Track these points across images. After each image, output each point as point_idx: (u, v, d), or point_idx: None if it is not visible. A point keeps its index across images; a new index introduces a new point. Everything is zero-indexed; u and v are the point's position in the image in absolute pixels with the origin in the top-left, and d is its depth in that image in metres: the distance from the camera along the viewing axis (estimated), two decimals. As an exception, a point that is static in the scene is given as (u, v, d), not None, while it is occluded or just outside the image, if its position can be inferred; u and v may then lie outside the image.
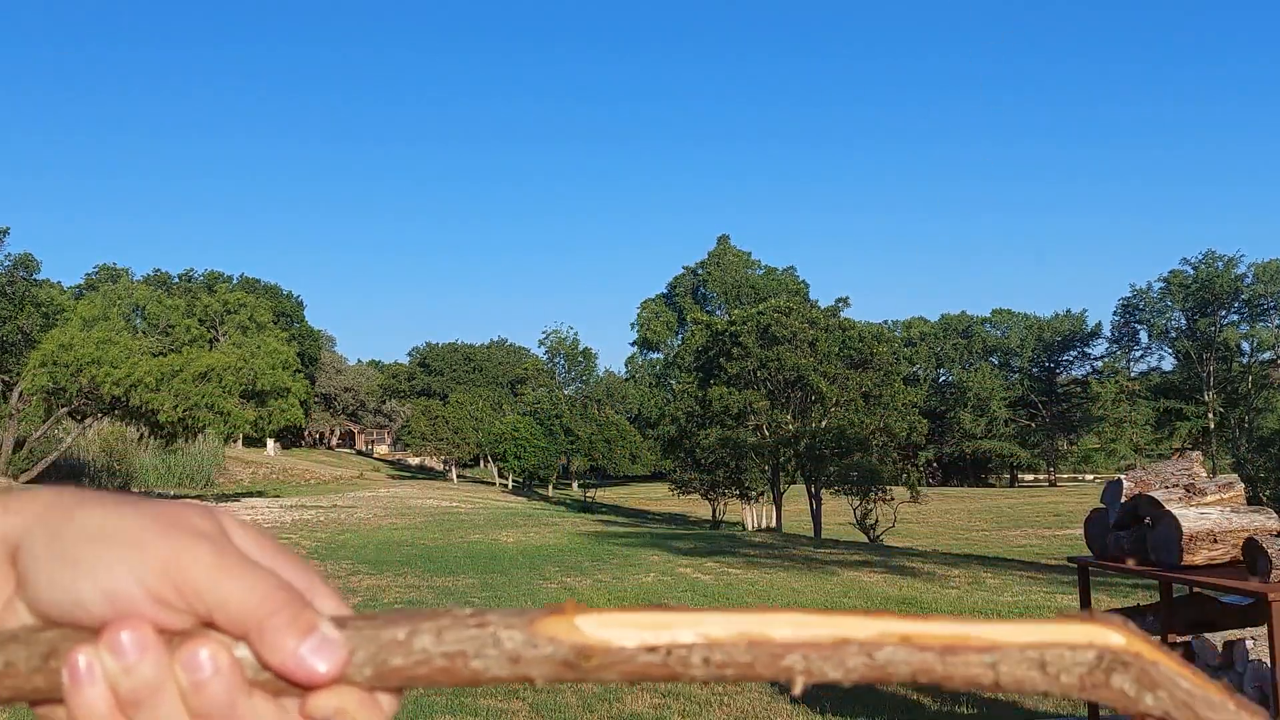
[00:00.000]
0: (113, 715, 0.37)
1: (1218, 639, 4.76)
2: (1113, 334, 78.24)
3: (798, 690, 0.38)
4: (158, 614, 0.38)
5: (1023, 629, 0.37)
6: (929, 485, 59.43)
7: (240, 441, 60.73)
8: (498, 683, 0.38)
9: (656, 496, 59.00)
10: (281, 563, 0.42)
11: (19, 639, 0.38)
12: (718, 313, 71.77)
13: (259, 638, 0.38)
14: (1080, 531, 5.28)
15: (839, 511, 35.14)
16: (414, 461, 79.37)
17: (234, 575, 0.38)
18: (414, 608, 0.37)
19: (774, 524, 35.73)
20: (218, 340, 49.45)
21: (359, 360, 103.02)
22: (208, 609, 0.38)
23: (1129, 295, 74.34)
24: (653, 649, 0.37)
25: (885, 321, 78.58)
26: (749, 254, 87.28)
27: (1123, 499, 4.94)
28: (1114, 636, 0.37)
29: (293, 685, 0.38)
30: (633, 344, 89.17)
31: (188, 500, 0.42)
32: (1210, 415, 66.17)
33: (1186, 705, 0.36)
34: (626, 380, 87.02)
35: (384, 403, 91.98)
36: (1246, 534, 4.49)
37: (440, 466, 73.10)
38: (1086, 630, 0.37)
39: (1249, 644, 4.59)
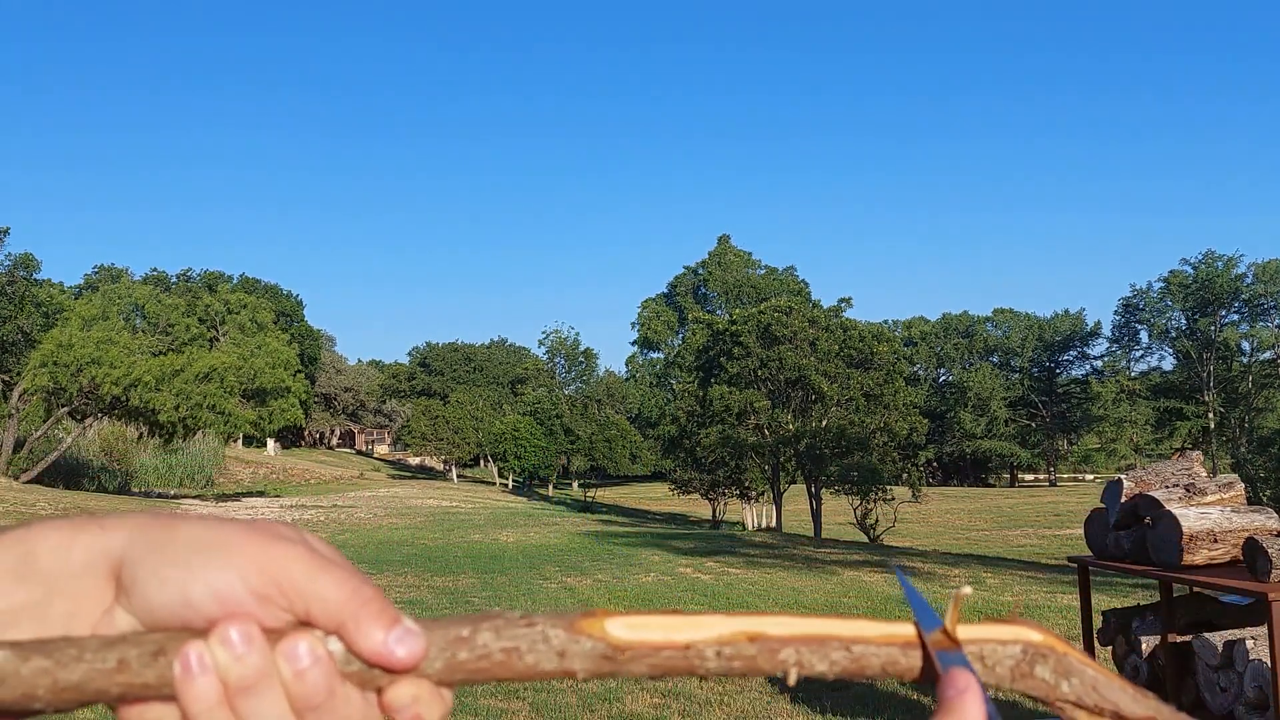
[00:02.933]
0: (221, 703, 0.42)
1: (1218, 639, 4.76)
2: (1113, 334, 78.17)
3: (792, 680, 0.45)
4: (260, 611, 0.43)
5: (965, 630, 0.45)
6: (929, 485, 59.39)
7: (240, 441, 60.71)
8: (545, 676, 0.43)
9: (656, 496, 59.02)
10: (351, 569, 0.46)
11: (128, 640, 0.42)
12: (718, 312, 71.66)
13: (354, 628, 0.43)
14: (1080, 531, 5.29)
15: (839, 511, 35.14)
16: (414, 461, 79.36)
17: (327, 574, 0.44)
18: (466, 614, 0.45)
19: (774, 524, 35.72)
20: (218, 340, 49.47)
21: (359, 360, 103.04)
22: (306, 604, 0.43)
23: (1129, 295, 74.22)
24: (674, 645, 0.44)
25: (885, 321, 78.64)
26: (749, 254, 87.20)
27: (1123, 499, 4.93)
28: (1033, 635, 0.45)
29: (380, 672, 0.43)
30: (633, 344, 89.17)
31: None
32: (1210, 415, 66.15)
33: (1094, 689, 0.45)
34: (626, 380, 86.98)
35: (384, 403, 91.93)
36: (1246, 534, 4.49)
37: (440, 466, 73.08)
38: (1013, 630, 0.45)
39: (1249, 644, 4.58)
